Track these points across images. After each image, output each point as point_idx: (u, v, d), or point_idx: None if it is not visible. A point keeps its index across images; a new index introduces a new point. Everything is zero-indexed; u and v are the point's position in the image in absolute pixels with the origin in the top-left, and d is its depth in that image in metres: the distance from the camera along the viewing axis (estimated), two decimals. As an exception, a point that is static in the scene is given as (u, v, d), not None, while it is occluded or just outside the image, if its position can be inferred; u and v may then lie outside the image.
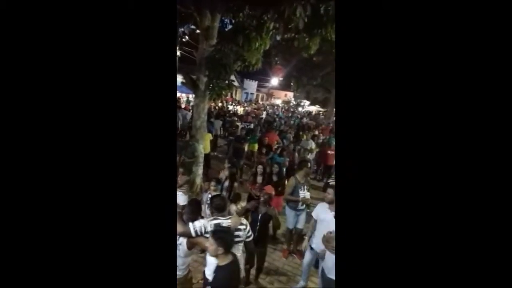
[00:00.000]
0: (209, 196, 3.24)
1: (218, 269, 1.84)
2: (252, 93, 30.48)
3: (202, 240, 2.06)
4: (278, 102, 30.07)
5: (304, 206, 3.57)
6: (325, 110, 23.17)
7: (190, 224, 2.08)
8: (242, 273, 2.27)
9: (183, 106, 11.63)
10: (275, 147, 6.19)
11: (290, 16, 3.70)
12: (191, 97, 13.96)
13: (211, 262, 2.10)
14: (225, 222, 2.16)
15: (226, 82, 4.61)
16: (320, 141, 7.97)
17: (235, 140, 6.72)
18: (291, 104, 28.06)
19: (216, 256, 1.84)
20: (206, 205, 3.28)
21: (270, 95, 32.47)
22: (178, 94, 14.35)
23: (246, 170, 5.50)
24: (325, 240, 2.40)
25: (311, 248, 2.99)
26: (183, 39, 8.66)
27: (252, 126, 9.26)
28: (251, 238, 2.30)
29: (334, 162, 6.96)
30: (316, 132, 9.57)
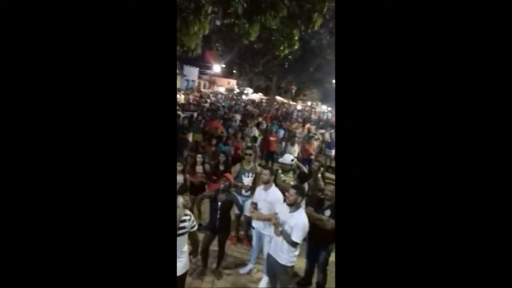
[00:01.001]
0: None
1: None
2: (193, 81, 29.34)
3: None
4: (221, 90, 29.65)
5: (249, 192, 3.64)
6: (267, 98, 23.77)
7: None
8: (188, 266, 2.23)
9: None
10: (218, 135, 6.14)
11: (229, 1, 3.60)
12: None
13: None
14: None
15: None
16: (263, 128, 8.18)
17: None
18: (235, 92, 27.96)
19: None
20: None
21: (212, 83, 31.76)
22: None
23: (191, 161, 5.33)
24: (273, 223, 2.50)
25: (253, 228, 3.12)
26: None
27: (195, 115, 8.96)
28: (195, 228, 2.26)
29: (276, 148, 7.27)
30: (260, 120, 9.77)
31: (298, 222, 2.44)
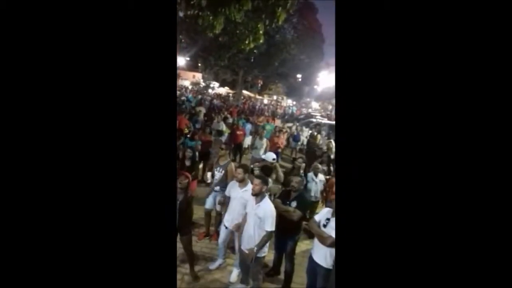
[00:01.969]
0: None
1: None
2: (156, 74, 28.03)
3: None
4: (187, 83, 28.80)
5: (218, 187, 3.63)
6: (234, 92, 23.64)
7: None
8: None
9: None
10: (186, 131, 5.99)
11: (192, -9, 3.49)
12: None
13: None
14: None
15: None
16: (230, 122, 8.16)
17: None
18: (200, 85, 27.35)
19: None
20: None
21: (177, 76, 30.69)
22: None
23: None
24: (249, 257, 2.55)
25: (225, 227, 3.11)
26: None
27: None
28: None
29: (243, 141, 7.33)
30: (226, 114, 9.72)
31: (266, 210, 2.51)
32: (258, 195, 2.56)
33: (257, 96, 28.86)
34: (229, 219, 3.03)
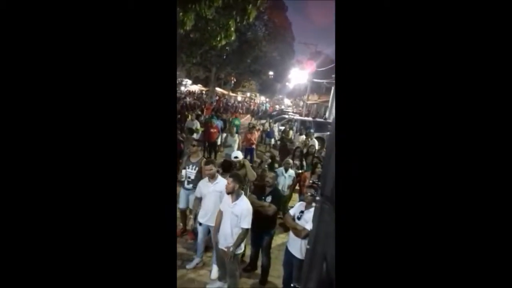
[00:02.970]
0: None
1: None
2: (124, 71, 26.88)
3: None
4: (157, 81, 27.83)
5: (191, 185, 3.60)
6: (207, 89, 23.31)
7: None
8: None
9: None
10: None
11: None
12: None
13: None
14: None
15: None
16: (202, 119, 8.08)
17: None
18: (172, 83, 26.58)
19: None
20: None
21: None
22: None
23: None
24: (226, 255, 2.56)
25: (200, 224, 3.11)
26: None
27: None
28: None
29: (217, 139, 7.29)
30: (199, 112, 9.59)
31: (242, 209, 2.54)
32: (232, 193, 2.58)
33: (231, 93, 28.70)
34: (204, 215, 3.03)
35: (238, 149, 6.04)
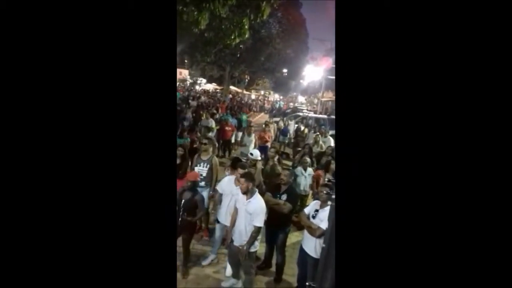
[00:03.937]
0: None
1: None
2: (141, 71, 27.53)
3: None
4: (173, 80, 28.30)
5: (203, 182, 3.63)
6: (221, 87, 23.46)
7: None
8: None
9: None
10: None
11: (175, -14, 3.43)
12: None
13: None
14: None
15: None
16: (217, 118, 8.15)
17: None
18: (187, 82, 27.00)
19: None
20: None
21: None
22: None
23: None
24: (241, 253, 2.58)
25: (218, 222, 3.13)
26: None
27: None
28: None
29: (231, 137, 7.33)
30: (214, 111, 9.67)
31: (256, 207, 2.55)
32: (247, 192, 2.59)
33: (245, 92, 28.76)
34: (223, 215, 3.06)
35: (254, 147, 6.05)
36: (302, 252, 2.69)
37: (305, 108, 21.20)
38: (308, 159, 4.42)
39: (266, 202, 2.74)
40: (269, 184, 3.57)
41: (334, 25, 1.14)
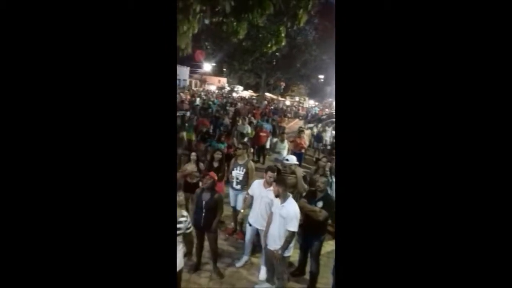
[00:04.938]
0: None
1: None
2: (185, 80, 29.16)
3: None
4: (212, 88, 29.51)
5: (239, 186, 3.73)
6: (257, 94, 23.79)
7: None
8: (182, 264, 2.28)
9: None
10: (204, 130, 6.23)
11: (216, -1, 3.63)
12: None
13: None
14: None
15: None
16: (255, 123, 8.30)
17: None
18: (225, 90, 27.88)
19: None
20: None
21: (203, 81, 31.58)
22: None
23: (185, 159, 5.40)
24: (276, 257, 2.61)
25: (250, 224, 3.19)
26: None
27: (188, 114, 8.97)
28: (190, 229, 2.29)
29: (266, 143, 7.41)
30: (250, 117, 9.86)
31: (289, 211, 2.56)
32: (279, 196, 2.62)
33: (280, 98, 28.83)
34: (254, 217, 3.11)
35: (288, 153, 6.05)
36: None
37: (341, 114, 20.49)
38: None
39: (302, 208, 2.74)
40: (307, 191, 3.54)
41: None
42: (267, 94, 25.03)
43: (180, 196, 3.71)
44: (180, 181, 4.08)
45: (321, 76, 23.32)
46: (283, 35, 5.42)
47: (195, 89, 26.77)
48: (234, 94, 25.54)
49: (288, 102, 28.02)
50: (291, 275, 3.14)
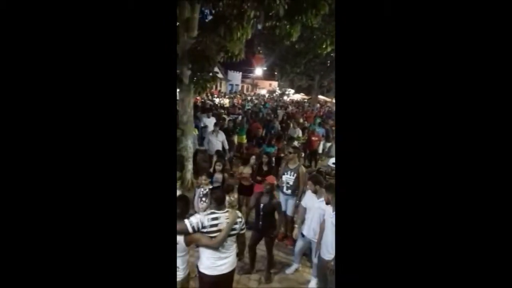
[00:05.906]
0: (202, 190, 3.26)
1: None
2: (237, 84, 30.24)
3: (200, 236, 2.09)
4: (263, 92, 29.98)
5: (290, 191, 3.64)
6: (310, 97, 23.33)
7: (186, 220, 2.08)
8: (235, 264, 2.32)
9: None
10: (260, 136, 6.27)
11: (270, 3, 3.67)
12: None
13: (206, 256, 2.13)
14: (222, 215, 2.18)
15: (210, 74, 4.55)
16: (306, 126, 8.11)
17: (223, 133, 6.71)
18: (276, 93, 28.04)
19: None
20: (199, 200, 3.29)
21: (255, 86, 32.30)
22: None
23: (236, 162, 5.56)
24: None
25: (302, 235, 3.10)
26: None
27: (239, 118, 9.22)
28: (244, 231, 2.34)
29: (318, 147, 7.16)
30: (301, 120, 9.67)
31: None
32: (330, 203, 2.54)
33: (333, 101, 27.80)
34: (307, 229, 3.03)
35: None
36: None
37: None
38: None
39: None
40: None
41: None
42: (320, 97, 24.36)
43: (232, 197, 3.81)
44: (235, 183, 4.21)
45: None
46: (338, 35, 5.20)
47: (246, 93, 27.50)
48: (285, 98, 25.48)
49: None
50: None
